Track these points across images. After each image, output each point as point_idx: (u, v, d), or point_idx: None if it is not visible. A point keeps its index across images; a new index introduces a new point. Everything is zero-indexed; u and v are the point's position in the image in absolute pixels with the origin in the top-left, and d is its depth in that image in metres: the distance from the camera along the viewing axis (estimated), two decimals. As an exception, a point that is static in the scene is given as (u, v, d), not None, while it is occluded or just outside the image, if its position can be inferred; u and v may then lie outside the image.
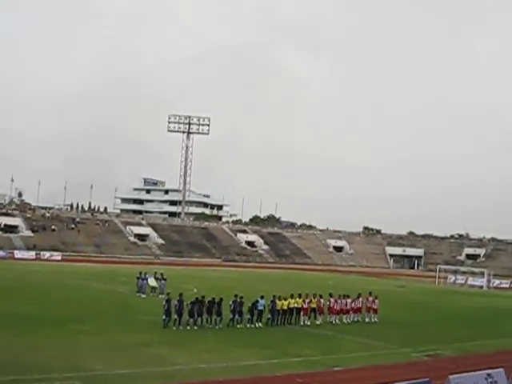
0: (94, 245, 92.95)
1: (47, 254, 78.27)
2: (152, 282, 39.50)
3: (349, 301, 31.66)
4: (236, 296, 28.19)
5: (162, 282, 39.18)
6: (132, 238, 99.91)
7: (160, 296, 36.60)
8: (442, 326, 33.89)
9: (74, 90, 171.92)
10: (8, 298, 34.12)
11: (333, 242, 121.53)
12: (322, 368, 20.61)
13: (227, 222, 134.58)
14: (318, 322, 30.23)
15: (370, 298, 32.90)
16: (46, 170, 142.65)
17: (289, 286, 47.79)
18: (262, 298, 28.86)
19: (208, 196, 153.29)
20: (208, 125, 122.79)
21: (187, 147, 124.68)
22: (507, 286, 73.43)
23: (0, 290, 37.90)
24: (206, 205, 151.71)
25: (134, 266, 60.97)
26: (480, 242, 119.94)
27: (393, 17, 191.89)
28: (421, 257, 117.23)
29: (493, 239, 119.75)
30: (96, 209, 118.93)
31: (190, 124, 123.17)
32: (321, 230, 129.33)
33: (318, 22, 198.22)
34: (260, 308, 28.56)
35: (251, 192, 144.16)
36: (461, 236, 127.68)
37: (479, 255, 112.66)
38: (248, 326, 28.04)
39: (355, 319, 31.99)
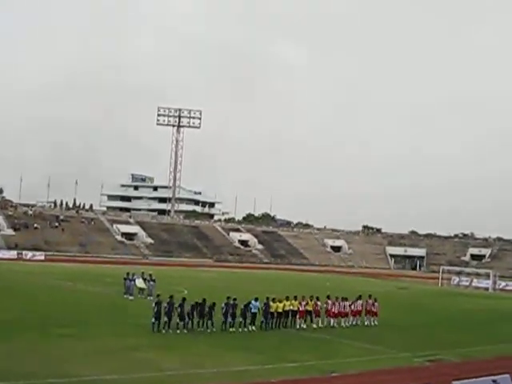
0: (79, 244, 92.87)
1: (29, 254, 78.22)
2: (140, 283, 39.65)
3: (347, 303, 31.75)
4: (228, 298, 28.20)
5: (151, 283, 39.29)
6: (119, 237, 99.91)
7: (148, 298, 36.75)
8: (444, 329, 34.03)
9: (60, 80, 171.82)
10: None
11: (330, 242, 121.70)
12: (318, 374, 20.64)
13: (219, 220, 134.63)
14: (314, 326, 30.28)
15: (370, 301, 33.02)
16: (28, 164, 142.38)
17: (284, 287, 47.93)
18: (255, 299, 28.78)
19: (199, 193, 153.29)
20: (199, 118, 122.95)
21: (177, 141, 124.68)
22: (513, 287, 73.56)
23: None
24: (196, 202, 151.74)
25: (121, 266, 61.11)
26: (485, 242, 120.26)
27: (387, 10, 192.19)
28: (423, 257, 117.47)
29: (499, 239, 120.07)
30: (81, 206, 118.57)
31: (180, 117, 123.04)
32: (318, 229, 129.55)
33: (312, 16, 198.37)
34: (254, 311, 28.51)
35: (244, 189, 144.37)
36: (465, 235, 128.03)
37: (484, 256, 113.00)
38: (241, 329, 28.10)
39: (354, 323, 32.13)
